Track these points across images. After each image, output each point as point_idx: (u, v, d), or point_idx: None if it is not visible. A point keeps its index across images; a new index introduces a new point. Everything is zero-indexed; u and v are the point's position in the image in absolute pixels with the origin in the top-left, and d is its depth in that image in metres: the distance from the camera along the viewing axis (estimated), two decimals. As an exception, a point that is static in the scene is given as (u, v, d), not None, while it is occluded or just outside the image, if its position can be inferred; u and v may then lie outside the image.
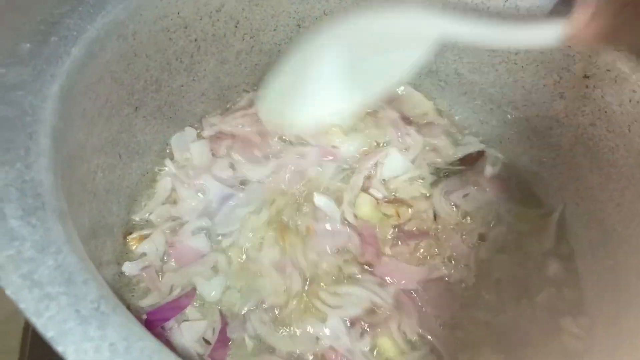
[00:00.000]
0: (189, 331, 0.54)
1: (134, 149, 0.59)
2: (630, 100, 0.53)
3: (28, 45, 0.43)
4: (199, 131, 0.67)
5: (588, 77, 0.57)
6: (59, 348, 0.30)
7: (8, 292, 0.31)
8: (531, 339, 0.57)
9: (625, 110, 0.54)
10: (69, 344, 0.30)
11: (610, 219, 0.57)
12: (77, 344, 0.30)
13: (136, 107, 0.57)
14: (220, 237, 0.61)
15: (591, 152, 0.59)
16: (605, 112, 0.56)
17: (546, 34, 0.45)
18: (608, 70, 0.55)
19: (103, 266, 0.53)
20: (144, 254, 0.58)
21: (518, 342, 0.57)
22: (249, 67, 0.69)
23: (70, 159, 0.44)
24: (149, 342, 0.31)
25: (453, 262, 0.61)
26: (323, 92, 0.53)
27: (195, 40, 0.60)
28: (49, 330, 0.30)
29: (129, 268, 0.57)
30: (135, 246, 0.58)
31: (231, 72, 0.67)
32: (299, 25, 0.67)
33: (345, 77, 0.52)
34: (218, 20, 0.61)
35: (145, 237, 0.59)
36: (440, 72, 0.70)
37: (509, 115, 0.68)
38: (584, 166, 0.60)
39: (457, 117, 0.74)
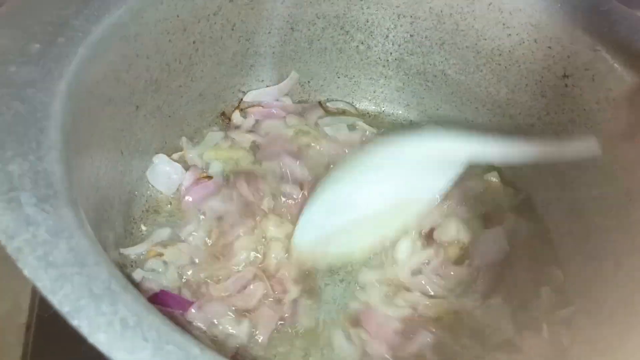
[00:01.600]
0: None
1: (135, 146, 0.61)
2: (606, 98, 0.56)
3: (37, 45, 0.45)
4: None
5: (567, 76, 0.60)
6: (74, 322, 0.32)
7: (25, 272, 0.34)
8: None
9: (602, 107, 0.57)
10: (83, 319, 0.32)
11: (590, 211, 0.60)
12: (90, 318, 0.32)
13: (137, 106, 0.59)
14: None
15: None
16: (584, 109, 0.59)
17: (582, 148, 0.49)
18: (586, 70, 0.58)
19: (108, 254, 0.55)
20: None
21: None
22: (245, 68, 0.71)
23: (77, 153, 0.46)
24: (157, 317, 0.34)
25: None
26: (364, 223, 0.55)
27: (194, 42, 0.63)
28: (64, 306, 0.32)
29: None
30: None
31: (227, 73, 0.70)
32: (292, 29, 0.70)
33: (385, 207, 0.55)
34: (215, 23, 0.63)
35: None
36: (427, 72, 0.73)
37: (493, 114, 0.71)
38: (564, 162, 0.63)
39: (444, 116, 0.76)
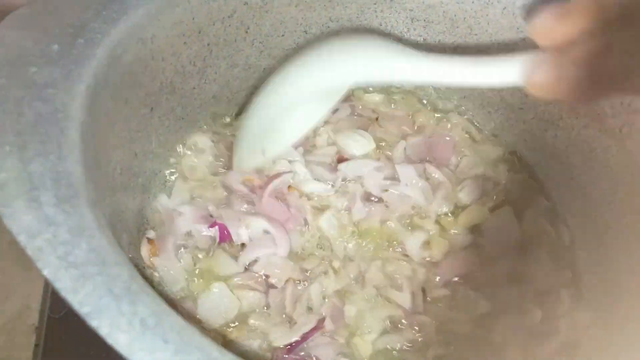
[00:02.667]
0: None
1: (148, 148, 0.62)
2: (621, 103, 0.56)
3: (57, 46, 0.46)
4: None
5: (582, 81, 0.60)
6: (94, 323, 0.32)
7: (45, 272, 0.34)
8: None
9: (617, 112, 0.57)
10: (103, 319, 0.32)
11: (603, 216, 0.60)
12: (111, 318, 0.32)
13: (152, 108, 0.60)
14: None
15: (584, 153, 0.62)
16: (598, 114, 0.59)
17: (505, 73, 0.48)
18: (601, 75, 0.58)
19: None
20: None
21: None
22: (257, 71, 0.72)
23: (95, 154, 0.46)
24: (176, 318, 0.34)
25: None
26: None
27: (208, 44, 0.63)
28: (84, 306, 0.33)
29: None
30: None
31: (240, 75, 0.70)
32: (305, 32, 0.70)
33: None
34: (230, 25, 0.64)
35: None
36: (440, 77, 0.73)
37: (506, 118, 0.71)
38: (578, 166, 0.63)
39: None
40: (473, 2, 0.65)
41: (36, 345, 0.65)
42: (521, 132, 0.70)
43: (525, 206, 0.67)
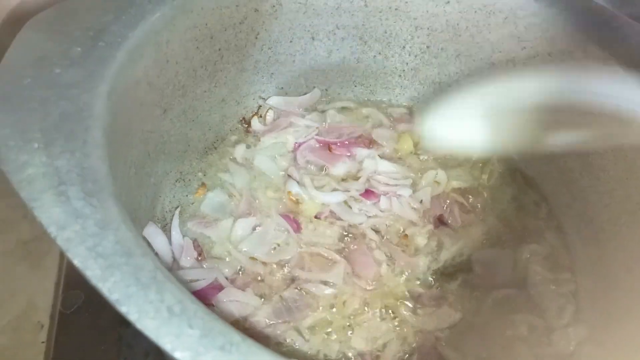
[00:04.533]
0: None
1: (160, 148, 0.64)
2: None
3: (79, 49, 0.48)
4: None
5: (580, 88, 0.62)
6: (123, 309, 0.34)
7: (75, 261, 0.36)
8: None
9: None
10: (132, 305, 0.34)
11: (600, 218, 0.62)
12: (139, 305, 0.34)
13: (165, 110, 0.61)
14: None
15: (582, 157, 0.64)
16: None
17: None
18: (598, 83, 0.60)
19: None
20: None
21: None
22: (266, 75, 0.74)
23: (115, 153, 0.48)
24: (200, 306, 0.36)
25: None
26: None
27: (219, 49, 0.65)
28: (113, 293, 0.34)
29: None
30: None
31: (249, 80, 0.73)
32: (312, 38, 0.73)
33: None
34: (240, 31, 0.66)
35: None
36: (442, 83, 0.76)
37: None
38: (575, 170, 0.65)
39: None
40: (475, 12, 0.68)
41: (49, 340, 0.66)
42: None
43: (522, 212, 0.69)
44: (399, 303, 0.63)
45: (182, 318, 0.34)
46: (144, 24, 0.53)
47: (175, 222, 0.66)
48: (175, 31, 0.58)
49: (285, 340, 0.59)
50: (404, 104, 0.81)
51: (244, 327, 0.60)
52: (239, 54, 0.68)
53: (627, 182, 0.58)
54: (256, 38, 0.68)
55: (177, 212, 0.67)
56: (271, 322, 0.60)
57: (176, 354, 0.33)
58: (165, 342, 0.33)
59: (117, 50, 0.50)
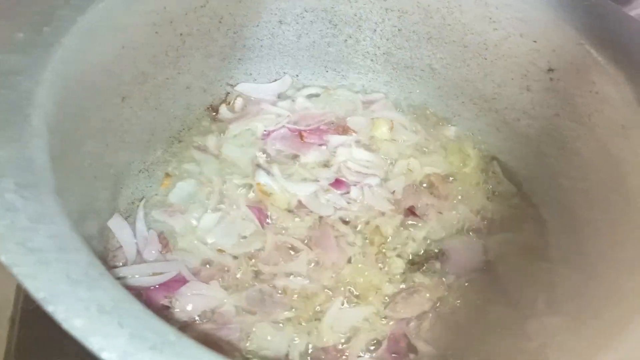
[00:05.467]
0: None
1: (121, 138, 0.61)
2: (590, 91, 0.57)
3: (22, 34, 0.45)
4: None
5: (552, 70, 0.60)
6: (50, 308, 0.32)
7: (2, 258, 0.34)
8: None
9: (586, 100, 0.57)
10: (59, 304, 0.32)
11: (575, 204, 0.60)
12: (67, 304, 0.32)
13: (123, 98, 0.59)
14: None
15: (556, 141, 0.62)
16: (568, 102, 0.59)
17: None
18: (571, 63, 0.58)
19: (92, 248, 0.55)
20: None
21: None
22: (233, 61, 0.72)
23: (62, 143, 0.46)
24: (134, 304, 0.34)
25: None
26: None
27: (181, 34, 0.63)
28: (40, 292, 0.32)
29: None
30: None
31: (215, 66, 0.70)
32: (280, 22, 0.70)
33: None
34: (203, 15, 0.63)
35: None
36: (415, 67, 0.74)
37: (480, 108, 0.71)
38: (550, 155, 0.64)
39: (432, 112, 0.77)
40: (446, -8, 0.65)
41: (10, 337, 0.65)
42: (494, 122, 0.70)
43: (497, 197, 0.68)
44: (367, 293, 0.61)
45: (113, 316, 0.32)
46: (94, 8, 0.51)
47: (140, 214, 0.64)
48: (131, 15, 0.55)
49: (253, 332, 0.58)
50: (378, 88, 0.78)
51: (211, 318, 0.58)
52: (202, 39, 0.66)
53: (600, 166, 0.56)
54: (220, 22, 0.66)
55: (142, 203, 0.65)
56: (238, 315, 0.59)
57: (103, 355, 0.31)
58: (93, 343, 0.31)
59: (64, 35, 0.47)
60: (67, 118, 0.47)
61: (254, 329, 0.58)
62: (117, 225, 0.62)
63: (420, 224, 0.66)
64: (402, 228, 0.66)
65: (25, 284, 0.33)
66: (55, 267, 0.34)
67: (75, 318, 0.32)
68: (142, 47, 0.59)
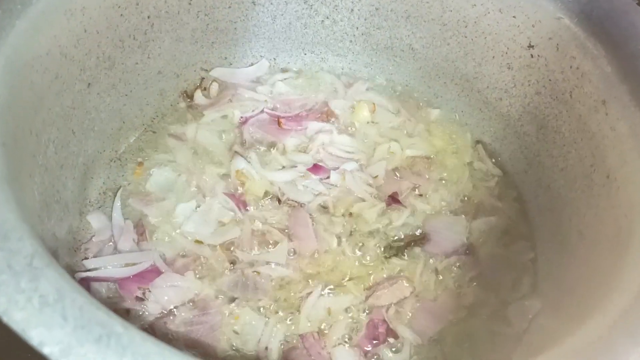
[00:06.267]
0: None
1: (89, 125, 0.60)
2: (570, 67, 0.55)
3: (-30, 17, 0.43)
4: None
5: (532, 46, 0.59)
6: (-11, 299, 0.30)
7: (-61, 250, 0.32)
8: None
9: (567, 76, 0.55)
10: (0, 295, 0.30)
11: (556, 184, 0.59)
12: (8, 295, 0.31)
13: (89, 84, 0.57)
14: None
15: (537, 120, 0.61)
16: (549, 79, 0.58)
17: None
18: (550, 39, 0.56)
19: (58, 239, 0.54)
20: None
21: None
22: (206, 45, 0.69)
23: (16, 129, 0.44)
24: (80, 295, 0.32)
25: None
26: None
27: (148, 17, 0.61)
28: (-21, 284, 0.31)
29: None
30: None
31: (187, 50, 0.68)
32: (253, 3, 0.68)
33: None
34: (170, -4, 0.61)
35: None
36: (395, 47, 0.72)
37: (461, 88, 0.69)
38: (531, 134, 0.62)
39: (414, 93, 0.75)
40: (424, -31, 0.63)
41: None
42: (476, 103, 0.69)
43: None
44: (346, 282, 0.59)
45: (56, 308, 0.31)
46: (50, -10, 0.49)
47: (117, 204, 0.62)
48: (90, -3, 0.53)
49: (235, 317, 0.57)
50: (358, 71, 0.76)
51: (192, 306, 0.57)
52: (171, 21, 0.64)
53: (580, 144, 0.54)
54: (189, 4, 0.64)
55: (119, 193, 0.63)
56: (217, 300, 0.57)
57: (45, 349, 0.29)
58: (33, 336, 0.29)
59: (16, 18, 0.45)
60: (22, 104, 0.45)
61: (236, 314, 0.57)
62: (93, 216, 0.61)
63: (401, 210, 0.64)
64: (382, 215, 0.64)
65: (-37, 276, 0.31)
66: (-4, 257, 0.32)
67: (15, 310, 0.30)
68: (106, 31, 0.57)
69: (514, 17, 0.59)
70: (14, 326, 0.30)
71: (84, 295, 0.32)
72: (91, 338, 0.30)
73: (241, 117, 0.71)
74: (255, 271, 0.59)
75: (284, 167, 0.68)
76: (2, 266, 0.32)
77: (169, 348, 0.30)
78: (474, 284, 0.59)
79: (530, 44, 0.59)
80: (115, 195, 0.63)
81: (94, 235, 0.60)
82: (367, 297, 0.59)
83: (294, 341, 0.56)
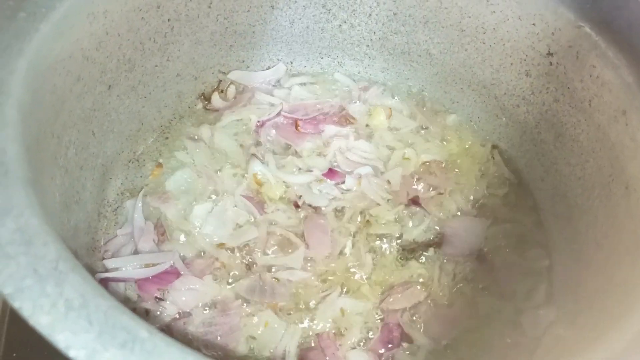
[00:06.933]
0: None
1: (108, 127, 0.60)
2: (590, 76, 0.54)
3: (-6, 20, 0.44)
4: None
5: (551, 54, 0.58)
6: (16, 304, 0.31)
7: (-33, 253, 0.32)
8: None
9: (586, 85, 0.55)
10: (25, 300, 0.31)
11: (573, 193, 0.58)
12: (33, 300, 0.31)
13: (109, 86, 0.58)
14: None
15: (555, 128, 0.60)
16: (568, 88, 0.57)
17: None
18: (570, 47, 0.56)
19: (77, 240, 0.54)
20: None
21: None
22: (224, 48, 0.70)
23: (39, 132, 0.45)
24: (105, 299, 0.32)
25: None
26: None
27: (169, 20, 0.61)
28: (6, 287, 0.31)
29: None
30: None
31: (206, 53, 0.69)
32: (272, 7, 0.68)
33: None
34: (191, 0, 0.62)
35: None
36: (412, 52, 0.72)
37: (478, 94, 0.69)
38: (549, 142, 0.62)
39: (430, 99, 0.75)
40: (442, -25, 0.63)
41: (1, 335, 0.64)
42: (493, 109, 0.68)
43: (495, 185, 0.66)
44: (362, 285, 0.60)
45: (81, 313, 0.31)
46: (73, -6, 0.49)
47: (139, 204, 0.63)
48: (114, 1, 0.54)
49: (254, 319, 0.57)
50: (375, 75, 0.76)
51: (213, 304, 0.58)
52: (191, 25, 0.64)
53: (598, 153, 0.54)
54: (209, 7, 0.64)
55: (140, 194, 0.64)
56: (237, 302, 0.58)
57: (70, 353, 0.30)
58: (59, 340, 0.30)
59: (40, 21, 0.46)
60: (44, 107, 0.46)
61: (255, 317, 0.57)
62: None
63: (417, 214, 0.64)
64: (398, 219, 0.64)
65: (-11, 280, 0.31)
66: (22, 261, 0.32)
67: (41, 314, 0.31)
68: (127, 34, 0.57)
69: (533, 24, 0.59)
70: (41, 330, 0.30)
71: (108, 299, 0.33)
72: (116, 343, 0.30)
73: (258, 120, 0.71)
74: (274, 277, 0.60)
75: (299, 169, 0.68)
76: (27, 271, 0.32)
77: (193, 353, 0.31)
78: (489, 291, 0.59)
79: (549, 51, 0.58)
80: (136, 196, 0.63)
81: (115, 237, 0.61)
82: (381, 301, 0.59)
83: (311, 342, 0.57)
